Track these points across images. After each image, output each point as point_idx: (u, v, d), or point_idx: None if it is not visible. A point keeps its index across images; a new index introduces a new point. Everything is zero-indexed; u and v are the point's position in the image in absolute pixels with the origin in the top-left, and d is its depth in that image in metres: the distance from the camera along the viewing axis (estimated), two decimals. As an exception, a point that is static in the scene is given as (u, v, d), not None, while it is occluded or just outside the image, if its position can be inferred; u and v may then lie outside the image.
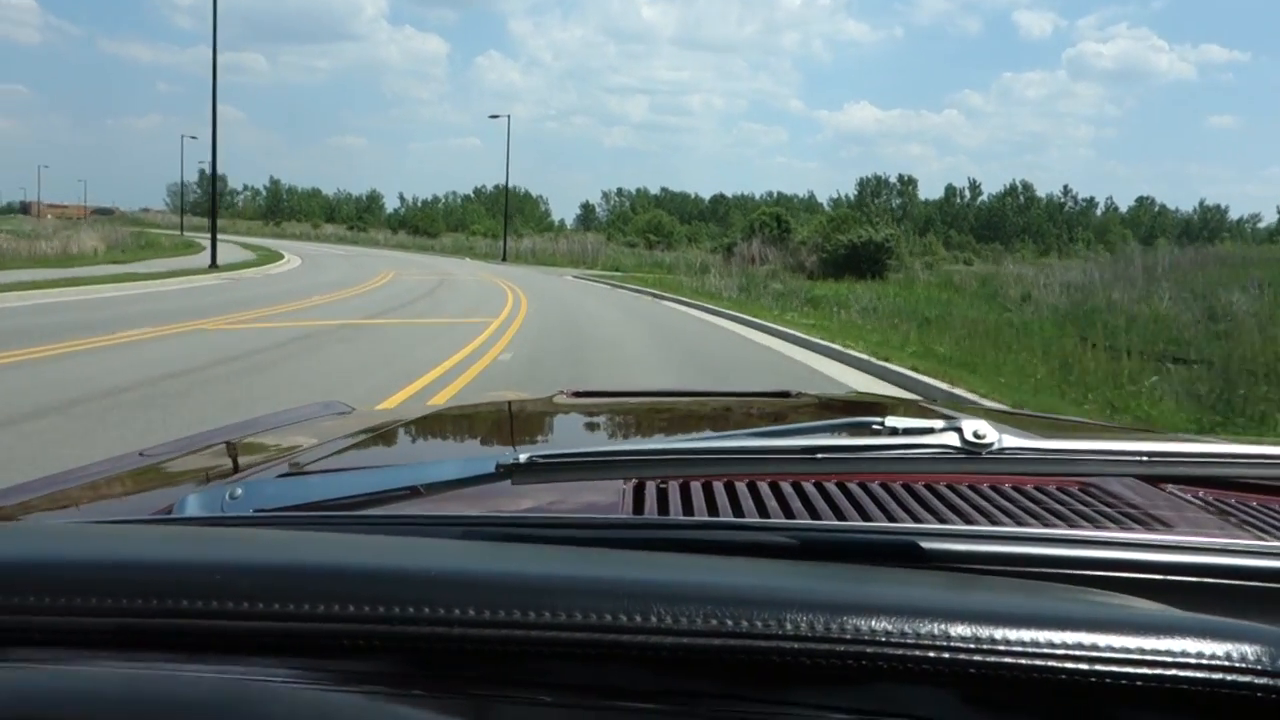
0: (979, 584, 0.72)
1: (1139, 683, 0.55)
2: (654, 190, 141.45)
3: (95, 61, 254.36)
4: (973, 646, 0.56)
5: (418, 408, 2.11)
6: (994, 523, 0.97)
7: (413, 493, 0.95)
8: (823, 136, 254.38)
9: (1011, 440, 0.84)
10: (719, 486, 1.10)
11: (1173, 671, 0.55)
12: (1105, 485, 1.14)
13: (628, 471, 0.98)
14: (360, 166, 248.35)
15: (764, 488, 1.10)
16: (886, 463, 0.88)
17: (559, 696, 0.59)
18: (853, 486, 1.10)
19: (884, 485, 1.11)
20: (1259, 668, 0.55)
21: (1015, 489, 1.11)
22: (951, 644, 0.56)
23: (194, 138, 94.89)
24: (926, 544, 0.81)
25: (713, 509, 1.03)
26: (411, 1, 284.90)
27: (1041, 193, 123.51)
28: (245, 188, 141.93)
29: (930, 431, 0.85)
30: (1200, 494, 1.14)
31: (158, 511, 1.03)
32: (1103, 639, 0.56)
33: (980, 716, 0.59)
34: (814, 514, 1.00)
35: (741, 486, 1.10)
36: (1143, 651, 0.56)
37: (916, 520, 0.98)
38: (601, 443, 1.20)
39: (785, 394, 2.21)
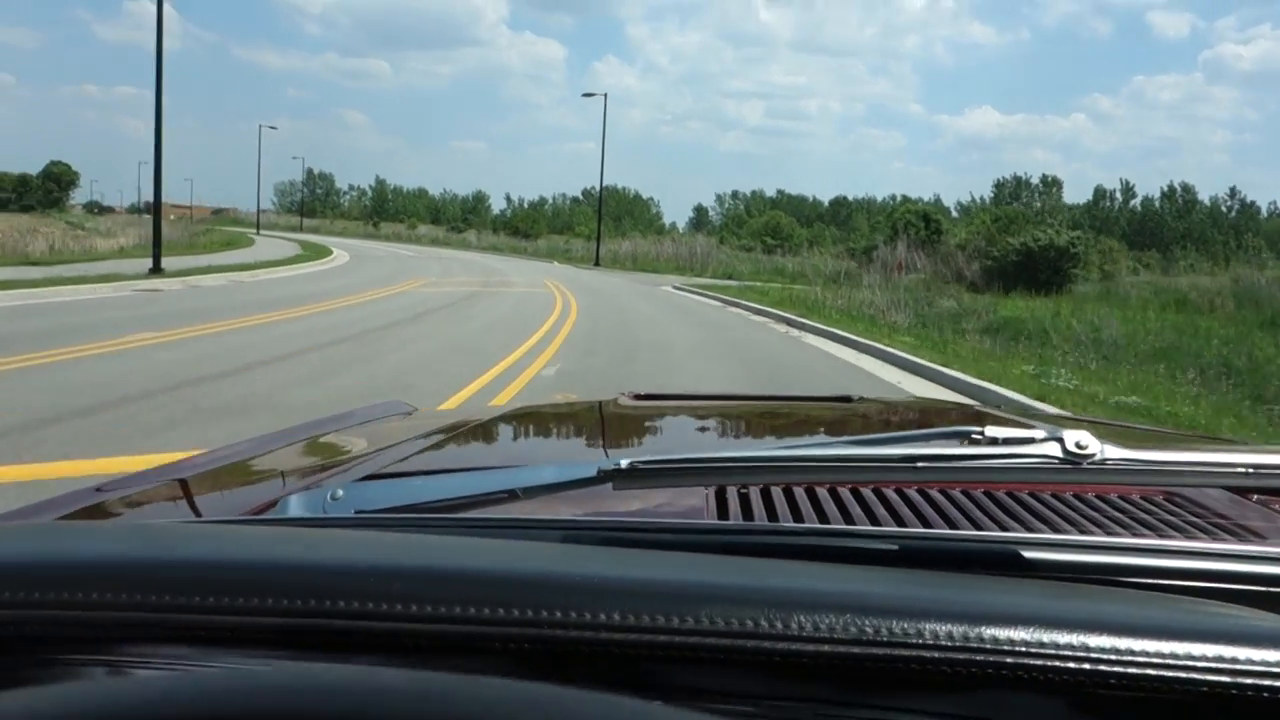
0: (1118, 596, 0.71)
1: (1264, 693, 0.54)
2: (770, 193, 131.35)
3: (228, 67, 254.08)
4: (1114, 659, 0.55)
5: (486, 409, 2.13)
6: (1098, 533, 0.95)
7: (510, 496, 0.94)
8: (942, 142, 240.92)
9: (1113, 451, 0.82)
10: (802, 492, 1.09)
11: None
12: (1204, 497, 1.11)
13: (723, 478, 0.99)
14: (479, 171, 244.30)
15: (867, 494, 1.09)
16: (988, 472, 0.86)
17: (696, 701, 0.59)
18: (954, 493, 1.09)
19: (966, 493, 1.09)
20: None
21: (1119, 498, 1.09)
22: (1092, 655, 0.55)
23: (274, 128, 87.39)
24: (1030, 553, 0.80)
25: (800, 514, 1.02)
26: (531, 7, 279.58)
27: (1203, 196, 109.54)
28: (351, 188, 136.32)
29: (1031, 441, 0.83)
30: None
31: (254, 510, 1.05)
32: (1244, 652, 0.55)
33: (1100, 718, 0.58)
34: (905, 521, 0.99)
35: (844, 493, 1.09)
36: (1264, 663, 0.55)
37: (1019, 528, 0.97)
38: (691, 448, 1.02)
39: (847, 398, 2.18)
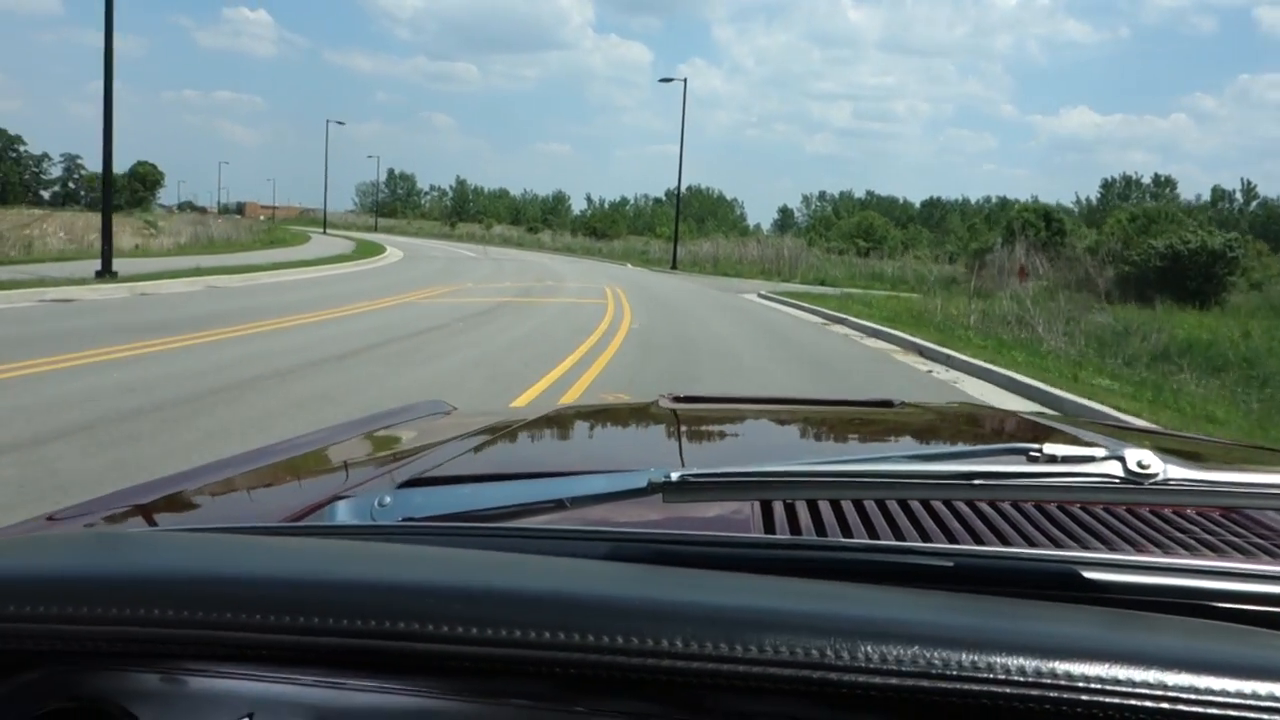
0: (1186, 628, 0.68)
1: None
2: (859, 194, 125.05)
3: (321, 72, 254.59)
4: (1192, 698, 0.53)
5: (530, 410, 2.03)
6: (1157, 552, 0.93)
7: (558, 505, 0.93)
8: (1035, 143, 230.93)
9: (1176, 471, 0.80)
10: (870, 505, 1.06)
11: None
12: (1268, 518, 1.07)
13: (777, 492, 0.96)
14: (563, 173, 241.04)
15: (915, 506, 1.06)
16: (1044, 491, 0.85)
17: None
18: (1005, 507, 1.06)
19: (1038, 507, 1.06)
20: None
21: (1176, 514, 1.06)
22: (1169, 693, 0.53)
23: (341, 123, 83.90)
24: (1088, 573, 0.77)
25: (848, 526, 1.00)
26: (617, 10, 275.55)
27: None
28: (432, 188, 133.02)
29: (1092, 460, 0.81)
30: None
31: (297, 514, 1.04)
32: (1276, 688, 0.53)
33: None
34: (955, 537, 0.97)
35: (893, 505, 1.06)
36: None
37: (1075, 546, 0.94)
38: (738, 457, 1.11)
39: (889, 403, 2.12)
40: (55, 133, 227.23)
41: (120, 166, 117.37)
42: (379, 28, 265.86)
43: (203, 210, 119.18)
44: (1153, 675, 0.54)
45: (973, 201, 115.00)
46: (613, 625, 0.57)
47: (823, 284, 37.35)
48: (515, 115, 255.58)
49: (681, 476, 0.84)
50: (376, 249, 43.78)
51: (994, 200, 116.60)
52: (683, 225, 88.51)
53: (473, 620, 0.58)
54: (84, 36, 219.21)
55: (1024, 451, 0.86)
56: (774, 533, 0.98)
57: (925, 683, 0.54)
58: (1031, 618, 0.64)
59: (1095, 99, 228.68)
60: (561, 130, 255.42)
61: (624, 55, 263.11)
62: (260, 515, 1.12)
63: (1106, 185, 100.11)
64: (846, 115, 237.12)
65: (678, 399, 2.14)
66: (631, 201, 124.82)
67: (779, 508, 1.05)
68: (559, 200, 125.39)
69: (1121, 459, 0.80)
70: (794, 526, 1.00)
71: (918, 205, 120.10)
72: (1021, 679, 0.54)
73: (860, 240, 62.34)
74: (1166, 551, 0.94)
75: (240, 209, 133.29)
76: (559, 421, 1.89)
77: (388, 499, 0.95)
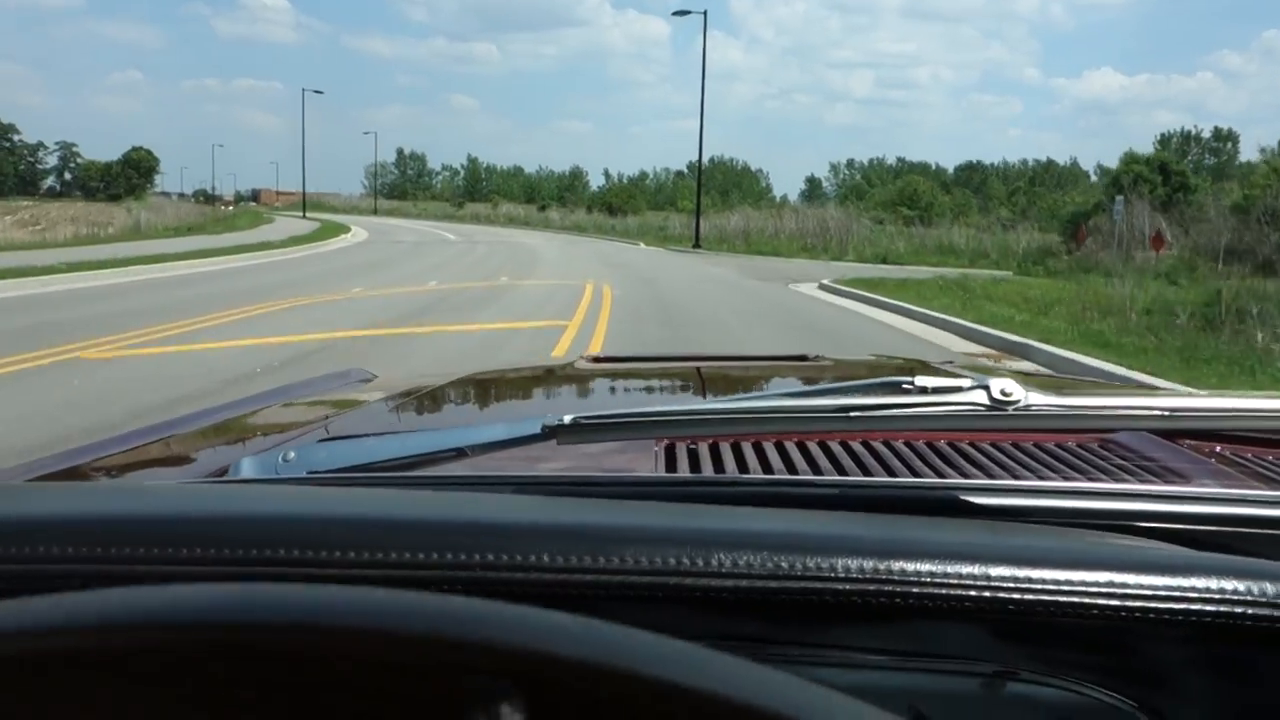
0: (1015, 530, 0.74)
1: (1165, 617, 0.57)
2: (890, 161, 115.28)
3: (341, 57, 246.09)
4: (1011, 586, 0.57)
5: (445, 374, 1.89)
6: (1022, 478, 0.96)
7: (459, 454, 0.93)
8: (1060, 107, 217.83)
9: (1037, 398, 0.83)
10: (749, 446, 1.09)
11: (1196, 606, 0.57)
12: (1125, 441, 1.12)
13: (666, 431, 0.99)
14: (584, 150, 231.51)
15: (793, 447, 1.09)
16: (917, 420, 0.88)
17: None
18: (878, 445, 1.09)
19: (909, 444, 1.10)
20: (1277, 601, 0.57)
21: (1038, 446, 1.10)
22: (991, 584, 0.57)
23: (319, 92, 75.38)
24: (960, 498, 0.81)
25: (746, 468, 1.02)
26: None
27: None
28: (444, 168, 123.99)
29: (958, 390, 0.85)
30: (1218, 449, 1.12)
31: (208, 475, 1.03)
32: (1132, 578, 0.57)
33: (1017, 652, 0.61)
34: (847, 471, 1.00)
35: (770, 446, 1.09)
36: (1169, 589, 0.57)
37: (954, 475, 0.98)
38: (638, 405, 1.06)
39: (803, 357, 2.15)
40: (54, 121, 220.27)
41: (117, 153, 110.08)
42: (396, 10, 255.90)
43: (217, 198, 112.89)
44: (1018, 571, 0.57)
45: (1013, 164, 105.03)
46: (484, 544, 0.59)
47: (884, 261, 28.49)
48: (536, 94, 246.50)
49: (575, 419, 0.86)
50: (338, 231, 37.30)
51: (1029, 163, 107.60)
52: (706, 198, 79.07)
53: (350, 545, 0.59)
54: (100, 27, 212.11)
55: (897, 385, 0.88)
56: (675, 473, 1.00)
57: (773, 584, 0.57)
58: (877, 526, 0.68)
59: (1120, 60, 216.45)
60: (582, 108, 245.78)
61: (642, 30, 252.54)
62: (172, 476, 1.12)
63: (1164, 141, 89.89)
64: (868, 84, 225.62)
65: (596, 359, 2.14)
66: (651, 175, 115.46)
67: (681, 452, 1.06)
68: (575, 176, 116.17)
69: (986, 388, 0.82)
70: (694, 468, 1.01)
71: (951, 171, 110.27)
72: (860, 576, 0.57)
73: (904, 208, 53.23)
74: (1035, 475, 0.96)
75: (255, 195, 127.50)
76: (471, 384, 1.85)
77: (292, 454, 0.94)
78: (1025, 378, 1.02)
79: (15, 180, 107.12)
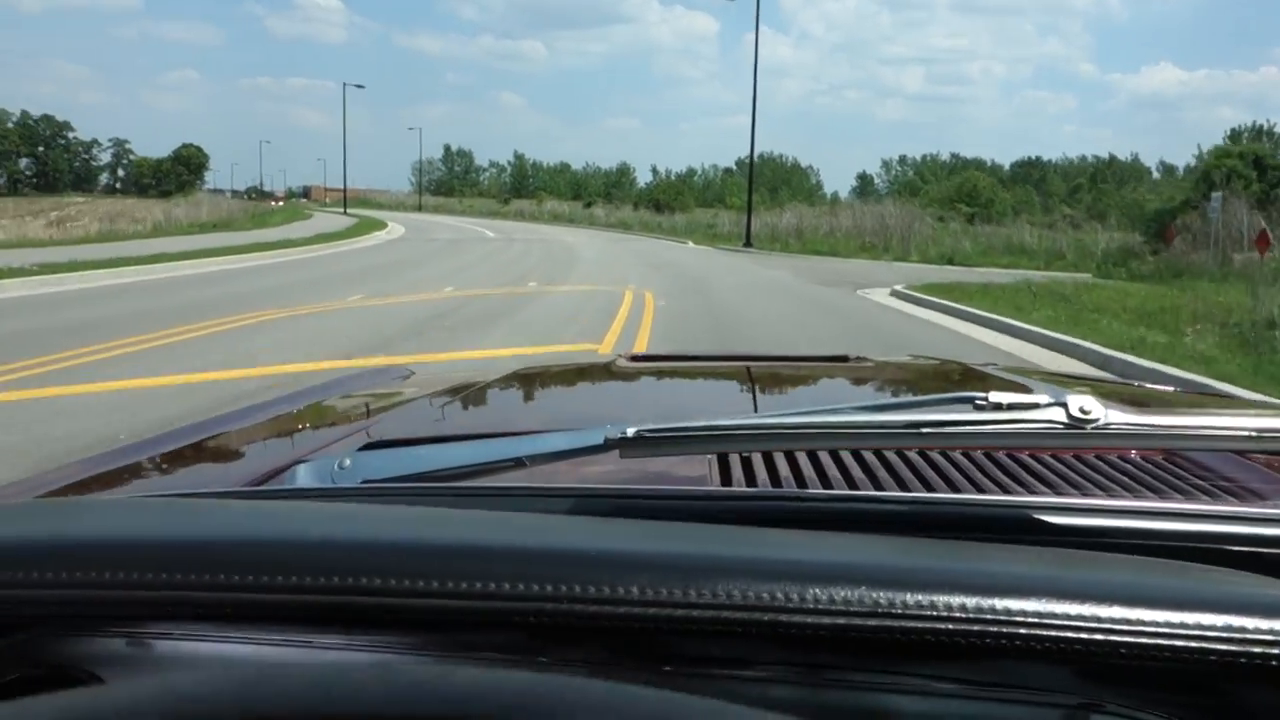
0: (1120, 564, 0.70)
1: (1258, 662, 0.54)
2: (943, 157, 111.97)
3: (391, 55, 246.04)
4: (1124, 628, 0.55)
5: (486, 370, 1.90)
6: (1102, 495, 0.94)
7: (517, 464, 0.91)
8: (1115, 102, 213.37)
9: (1117, 415, 0.81)
10: (824, 457, 1.05)
11: None
12: (1206, 460, 1.07)
13: (732, 445, 0.96)
14: (632, 148, 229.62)
15: (868, 457, 1.05)
16: (989, 438, 0.85)
17: (704, 671, 0.60)
18: (955, 455, 1.06)
19: (988, 455, 1.06)
20: None
21: (1123, 459, 1.06)
22: (1103, 625, 0.55)
23: (360, 86, 73.68)
24: (1035, 516, 0.79)
25: (804, 480, 0.99)
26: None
27: None
28: (491, 164, 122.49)
29: (1035, 407, 0.82)
30: None
31: (257, 480, 1.01)
32: (1221, 619, 0.55)
33: (1103, 687, 0.59)
34: (912, 487, 0.97)
35: (846, 456, 1.05)
36: (1262, 632, 0.54)
37: (1022, 492, 0.94)
38: (695, 411, 1.09)
39: (844, 358, 2.04)
40: (111, 119, 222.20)
41: (166, 150, 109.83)
42: (446, 8, 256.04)
43: (269, 194, 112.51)
44: (1089, 609, 0.55)
45: (1073, 160, 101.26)
46: (572, 575, 0.57)
47: (950, 262, 26.12)
48: (583, 92, 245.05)
49: (638, 432, 0.83)
50: (373, 227, 35.49)
51: (1091, 158, 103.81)
52: (755, 195, 77.39)
53: (439, 574, 0.57)
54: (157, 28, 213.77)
55: (970, 400, 0.85)
56: (730, 485, 0.98)
57: (873, 622, 0.55)
58: (976, 558, 0.65)
59: (1179, 55, 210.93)
60: (629, 105, 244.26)
61: (689, 27, 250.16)
62: (219, 481, 1.09)
63: (1234, 135, 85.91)
64: (919, 80, 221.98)
65: (634, 358, 2.08)
66: (700, 172, 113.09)
67: (736, 463, 1.03)
68: (623, 173, 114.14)
69: (1064, 405, 0.80)
70: (750, 481, 0.99)
71: (1007, 167, 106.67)
72: (963, 615, 0.55)
73: (962, 204, 50.57)
74: (1110, 495, 0.93)
75: (306, 192, 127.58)
76: (518, 382, 1.83)
77: (347, 462, 0.93)
78: (1103, 390, 0.93)
79: (71, 177, 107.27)
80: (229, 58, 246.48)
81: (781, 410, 0.93)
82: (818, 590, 0.56)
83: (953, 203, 50.98)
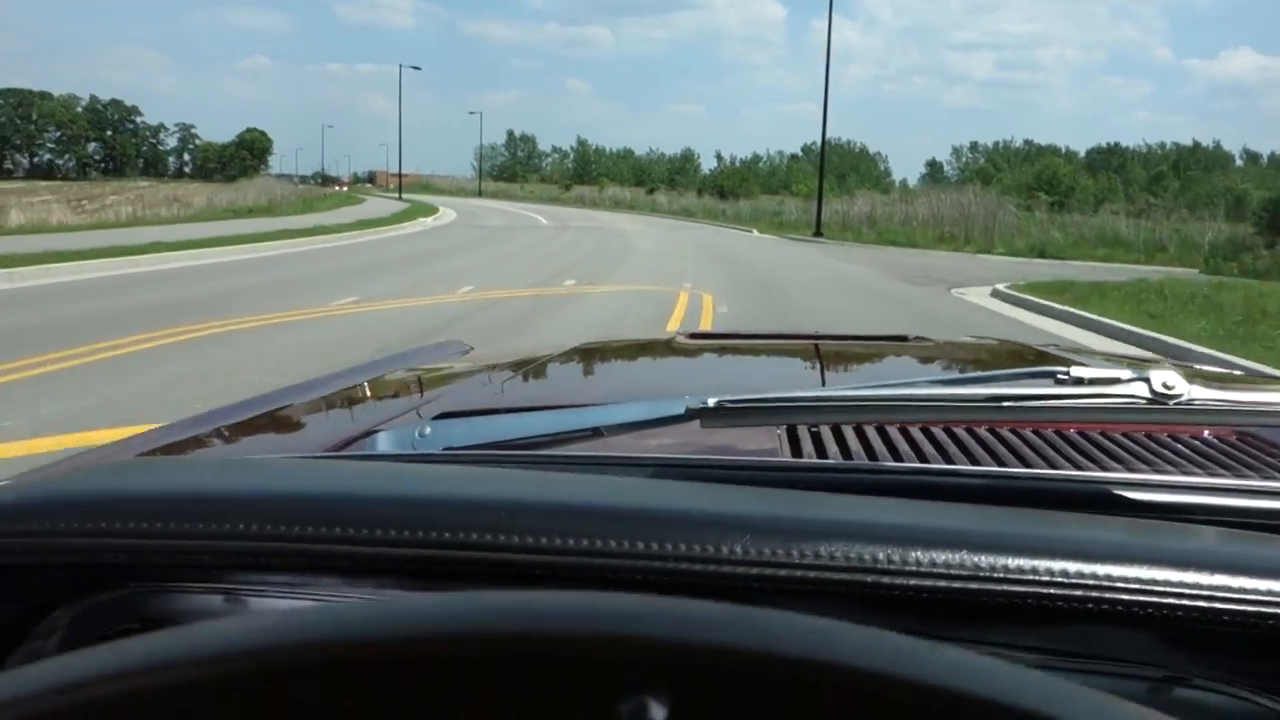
0: (1210, 534, 0.70)
1: None
2: (1017, 143, 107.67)
3: (458, 42, 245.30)
4: (1228, 596, 0.54)
5: (548, 346, 1.84)
6: (1178, 473, 0.91)
7: (595, 434, 0.92)
8: (1192, 89, 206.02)
9: (1200, 392, 0.80)
10: (893, 432, 1.03)
11: None
12: None
13: (817, 417, 0.96)
14: (697, 134, 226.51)
15: (937, 433, 1.03)
16: (1071, 412, 0.84)
17: None
18: (1025, 433, 1.03)
19: (1058, 433, 1.03)
20: None
21: (1195, 438, 1.04)
22: (1205, 593, 0.54)
23: (417, 68, 71.50)
24: (1118, 492, 0.77)
25: (874, 453, 0.98)
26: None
27: None
28: (554, 149, 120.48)
29: (1118, 382, 0.81)
30: None
31: (333, 447, 1.00)
32: None
33: (1188, 658, 0.59)
34: (991, 460, 0.95)
35: (915, 432, 1.03)
36: None
37: (1095, 469, 0.92)
38: (766, 386, 1.01)
39: (903, 338, 1.98)
40: (183, 105, 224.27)
41: (229, 135, 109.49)
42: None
43: (334, 179, 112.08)
44: (1189, 576, 0.54)
45: (1154, 147, 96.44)
46: (676, 535, 0.56)
47: (1042, 255, 23.52)
48: (648, 78, 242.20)
49: (719, 402, 0.83)
50: (421, 213, 33.71)
51: (1170, 145, 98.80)
52: (825, 183, 74.50)
53: (546, 531, 0.57)
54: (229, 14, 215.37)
55: (1051, 374, 0.84)
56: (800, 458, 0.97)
57: (974, 585, 0.55)
58: (1072, 525, 0.65)
59: (1259, 39, 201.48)
60: (694, 91, 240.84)
61: (756, 13, 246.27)
62: (297, 448, 1.10)
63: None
64: (988, 66, 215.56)
65: (693, 335, 2.02)
66: (765, 158, 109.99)
67: (806, 436, 1.01)
68: (686, 159, 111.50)
69: (1147, 380, 0.79)
70: (823, 455, 0.97)
71: (1082, 154, 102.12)
72: (1065, 581, 0.54)
73: (1041, 192, 47.48)
74: (1188, 472, 0.91)
75: (371, 177, 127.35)
76: (584, 356, 1.80)
77: (428, 430, 0.93)
78: (1181, 369, 0.95)
79: (139, 162, 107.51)
80: (298, 45, 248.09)
81: (851, 385, 0.91)
82: (919, 553, 0.55)
83: (1031, 190, 47.85)
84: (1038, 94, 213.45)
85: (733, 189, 64.53)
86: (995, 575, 0.55)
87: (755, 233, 32.01)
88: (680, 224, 37.94)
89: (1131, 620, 0.55)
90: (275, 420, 1.27)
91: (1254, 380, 1.57)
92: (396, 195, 56.54)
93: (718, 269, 16.46)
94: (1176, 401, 0.77)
